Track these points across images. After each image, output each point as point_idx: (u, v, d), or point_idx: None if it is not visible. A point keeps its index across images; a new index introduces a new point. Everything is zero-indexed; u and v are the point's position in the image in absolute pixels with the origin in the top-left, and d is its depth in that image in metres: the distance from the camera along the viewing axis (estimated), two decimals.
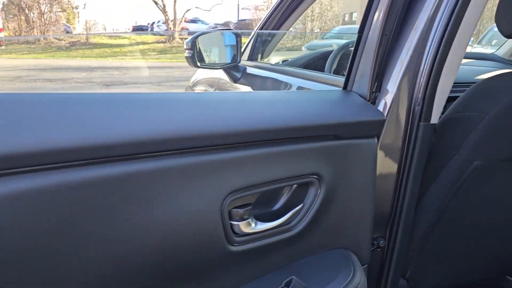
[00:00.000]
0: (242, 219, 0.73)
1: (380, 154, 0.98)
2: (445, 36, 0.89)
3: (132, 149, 0.60)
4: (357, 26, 0.98)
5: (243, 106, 0.78)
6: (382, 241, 1.06)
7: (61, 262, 0.58)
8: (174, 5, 22.83)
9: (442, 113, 1.04)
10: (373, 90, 0.93)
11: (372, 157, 0.92)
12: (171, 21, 22.69)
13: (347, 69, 0.97)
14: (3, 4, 21.49)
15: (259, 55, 2.21)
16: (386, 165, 0.99)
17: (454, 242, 1.24)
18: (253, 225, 0.75)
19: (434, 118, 0.98)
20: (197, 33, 1.89)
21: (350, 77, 0.97)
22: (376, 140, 0.93)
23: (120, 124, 0.61)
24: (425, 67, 0.92)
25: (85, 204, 0.58)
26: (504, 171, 1.10)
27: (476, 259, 1.34)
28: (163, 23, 25.52)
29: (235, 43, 1.90)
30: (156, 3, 21.97)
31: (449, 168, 1.08)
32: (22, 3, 20.17)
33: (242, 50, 2.03)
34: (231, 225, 0.72)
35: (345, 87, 0.99)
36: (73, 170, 0.57)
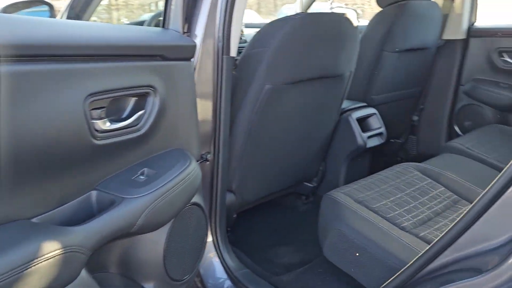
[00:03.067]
0: (100, 118, 0.90)
1: (198, 82, 1.25)
2: None
3: None
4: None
5: (89, 29, 0.98)
6: (209, 155, 1.35)
7: None
8: None
9: None
10: (185, 31, 1.20)
11: (191, 76, 1.18)
12: None
13: (163, 16, 1.21)
14: None
15: None
16: (204, 91, 1.27)
17: (263, 156, 1.62)
18: (108, 124, 0.93)
19: (233, 52, 1.29)
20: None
21: (165, 21, 1.20)
22: (191, 62, 1.18)
23: None
24: (221, 15, 1.23)
25: None
26: (288, 92, 1.51)
27: (281, 169, 1.75)
28: None
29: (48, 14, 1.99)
30: None
31: (250, 94, 1.43)
32: None
33: None
34: (93, 122, 0.89)
35: (163, 26, 1.21)
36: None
